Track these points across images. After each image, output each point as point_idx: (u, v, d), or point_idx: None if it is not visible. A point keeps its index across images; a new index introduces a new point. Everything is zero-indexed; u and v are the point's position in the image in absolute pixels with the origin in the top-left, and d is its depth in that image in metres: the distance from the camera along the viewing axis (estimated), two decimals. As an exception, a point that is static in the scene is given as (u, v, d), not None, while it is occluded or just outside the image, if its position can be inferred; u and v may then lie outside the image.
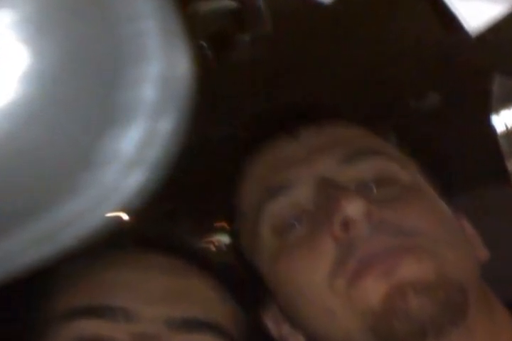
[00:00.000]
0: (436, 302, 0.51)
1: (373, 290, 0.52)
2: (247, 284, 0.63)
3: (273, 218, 0.58)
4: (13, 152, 0.25)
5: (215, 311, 0.57)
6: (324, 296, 0.54)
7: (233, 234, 0.66)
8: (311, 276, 0.55)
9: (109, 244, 0.56)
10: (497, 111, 2.15)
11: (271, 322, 0.62)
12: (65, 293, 0.56)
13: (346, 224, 0.53)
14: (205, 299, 0.58)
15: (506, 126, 2.17)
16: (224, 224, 0.69)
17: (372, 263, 0.52)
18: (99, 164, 0.27)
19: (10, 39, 0.24)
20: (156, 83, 0.26)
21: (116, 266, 0.58)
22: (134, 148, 0.27)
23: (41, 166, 0.27)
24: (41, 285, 0.58)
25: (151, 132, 0.27)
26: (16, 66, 0.24)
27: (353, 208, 0.53)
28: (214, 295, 0.58)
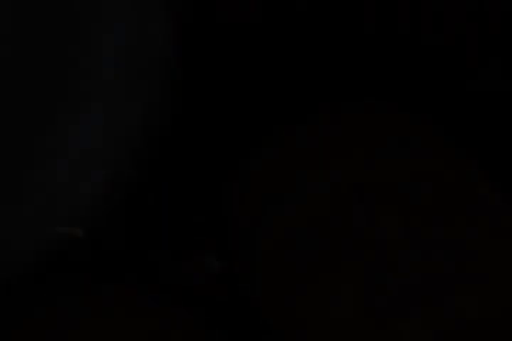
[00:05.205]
0: None
1: (414, 334, 0.52)
2: (243, 322, 0.63)
3: (278, 233, 0.59)
4: None
5: None
6: None
7: (224, 255, 0.66)
8: (330, 314, 0.55)
9: (58, 270, 0.56)
10: None
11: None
12: None
13: (377, 243, 0.53)
14: None
15: None
16: (211, 241, 0.69)
17: (412, 297, 0.52)
18: (46, 161, 0.27)
19: None
20: (121, 51, 0.26)
21: (67, 301, 0.58)
22: (92, 140, 0.27)
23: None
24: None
25: (114, 118, 0.27)
26: None
27: (386, 221, 0.53)
28: (200, 336, 0.59)
